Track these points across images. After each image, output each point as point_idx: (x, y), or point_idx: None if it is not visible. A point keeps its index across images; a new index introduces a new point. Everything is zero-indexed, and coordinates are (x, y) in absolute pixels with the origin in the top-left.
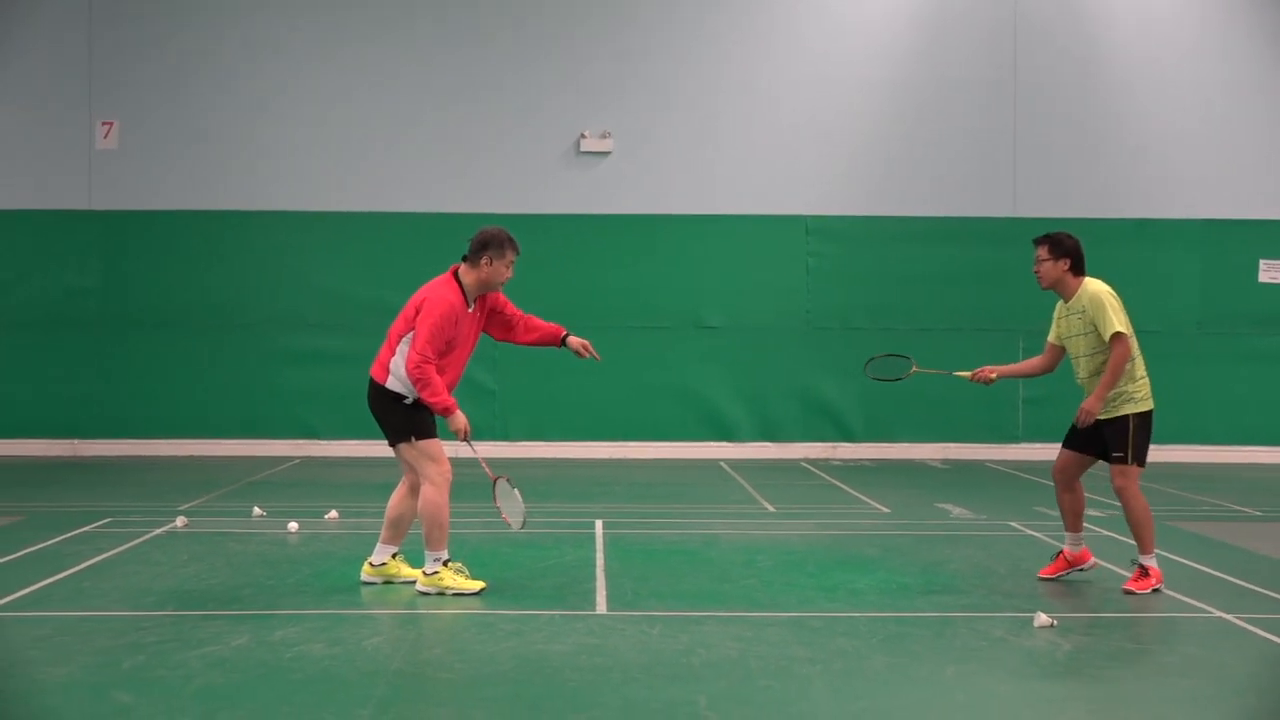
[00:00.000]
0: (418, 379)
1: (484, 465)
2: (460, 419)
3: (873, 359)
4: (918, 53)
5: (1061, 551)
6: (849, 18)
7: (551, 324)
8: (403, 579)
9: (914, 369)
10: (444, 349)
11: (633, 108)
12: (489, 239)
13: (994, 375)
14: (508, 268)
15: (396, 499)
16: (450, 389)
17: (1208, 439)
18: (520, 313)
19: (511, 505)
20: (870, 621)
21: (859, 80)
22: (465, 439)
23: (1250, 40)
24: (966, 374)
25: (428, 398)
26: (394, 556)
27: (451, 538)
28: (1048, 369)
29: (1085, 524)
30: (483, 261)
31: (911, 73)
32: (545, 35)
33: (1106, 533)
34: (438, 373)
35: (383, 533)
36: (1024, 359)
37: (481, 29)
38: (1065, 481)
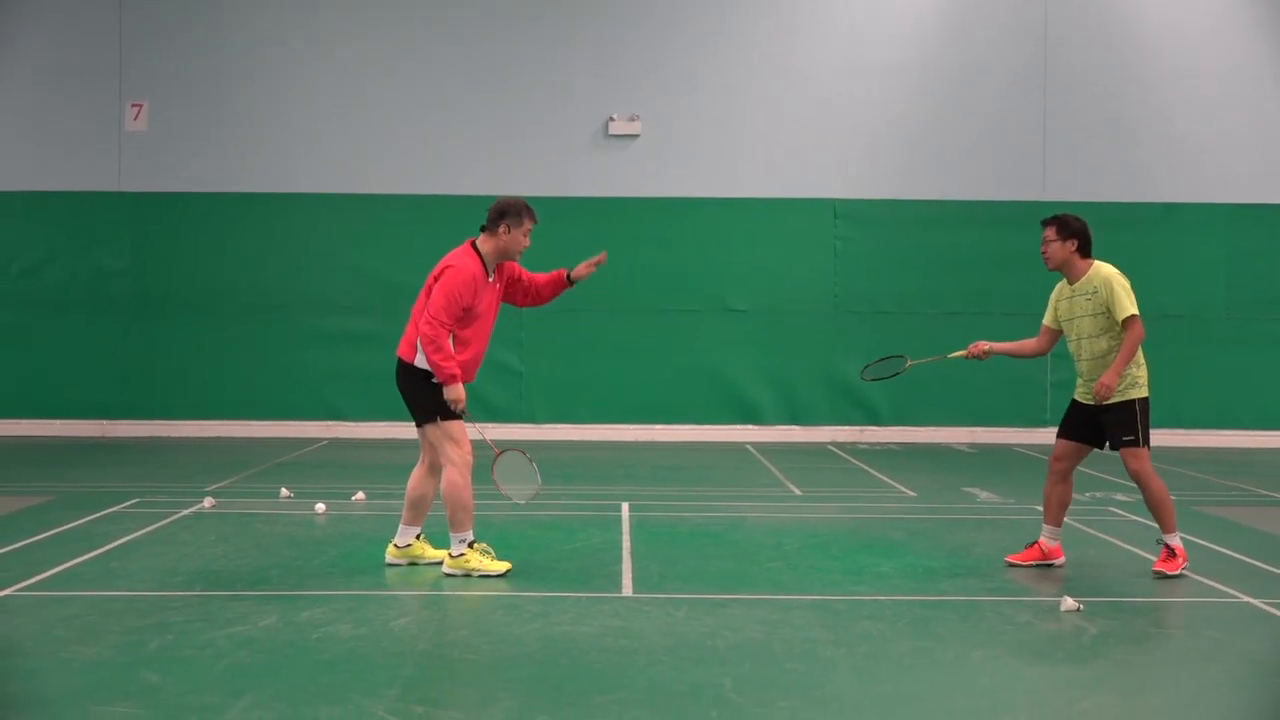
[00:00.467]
0: (429, 338)
1: (488, 441)
2: (459, 390)
3: (868, 365)
4: (946, 35)
5: (1038, 541)
6: (877, 0)
7: (553, 272)
8: (427, 560)
9: (909, 363)
10: (461, 316)
11: (661, 91)
12: (506, 208)
13: (986, 348)
14: (525, 235)
15: (416, 479)
16: (476, 364)
17: (1235, 424)
18: (532, 276)
19: (518, 482)
20: (896, 605)
21: (887, 63)
22: (460, 412)
23: None
24: (961, 353)
25: (436, 359)
26: (418, 538)
27: (477, 520)
28: (1041, 351)
29: (1111, 509)
30: (500, 230)
31: (940, 56)
32: (574, 18)
33: (1132, 517)
34: (462, 345)
35: (404, 514)
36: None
37: (511, 11)
38: (1062, 472)
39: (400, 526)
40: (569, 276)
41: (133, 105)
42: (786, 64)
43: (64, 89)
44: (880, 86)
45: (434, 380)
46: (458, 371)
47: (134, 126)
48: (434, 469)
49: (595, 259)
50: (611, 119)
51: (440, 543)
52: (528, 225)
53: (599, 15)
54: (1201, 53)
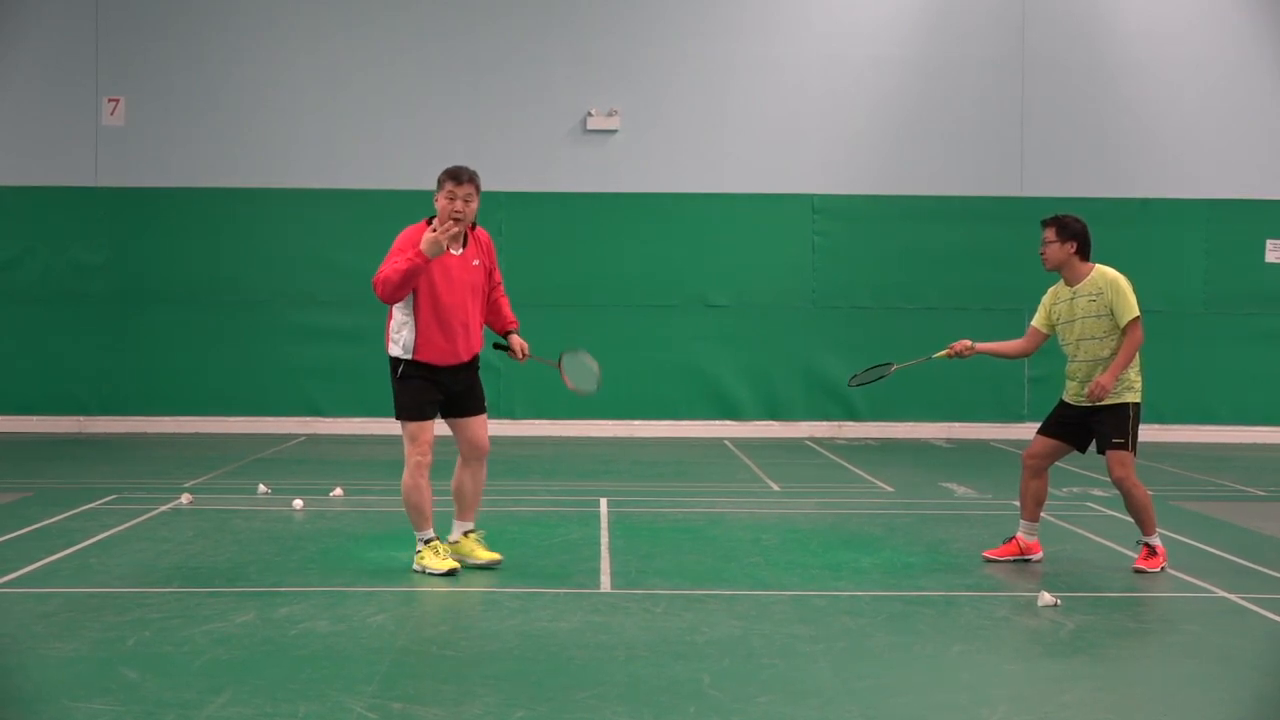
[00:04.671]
0: (380, 283)
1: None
2: (437, 239)
3: (855, 375)
4: (925, 31)
5: (1015, 537)
6: None
7: (510, 313)
8: (477, 562)
9: (895, 367)
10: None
11: (640, 85)
12: None
13: (970, 344)
14: (446, 198)
15: (455, 473)
16: (466, 341)
17: (1213, 419)
18: (500, 289)
19: (582, 378)
20: (874, 600)
21: (866, 58)
22: (451, 236)
23: (1258, 19)
24: (944, 352)
25: (394, 273)
26: (466, 535)
27: (445, 515)
28: (1026, 352)
29: (1089, 504)
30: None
31: (919, 51)
32: (553, 11)
33: (1109, 512)
34: (429, 326)
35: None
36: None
37: (489, 6)
38: (1036, 468)
39: (453, 522)
40: (508, 334)
41: (109, 100)
42: (765, 58)
43: (40, 83)
44: (859, 81)
45: (401, 375)
46: (416, 256)
47: (111, 121)
48: (466, 460)
49: (522, 355)
50: (590, 114)
51: (493, 542)
52: (446, 187)
53: (577, 9)
54: (1179, 48)
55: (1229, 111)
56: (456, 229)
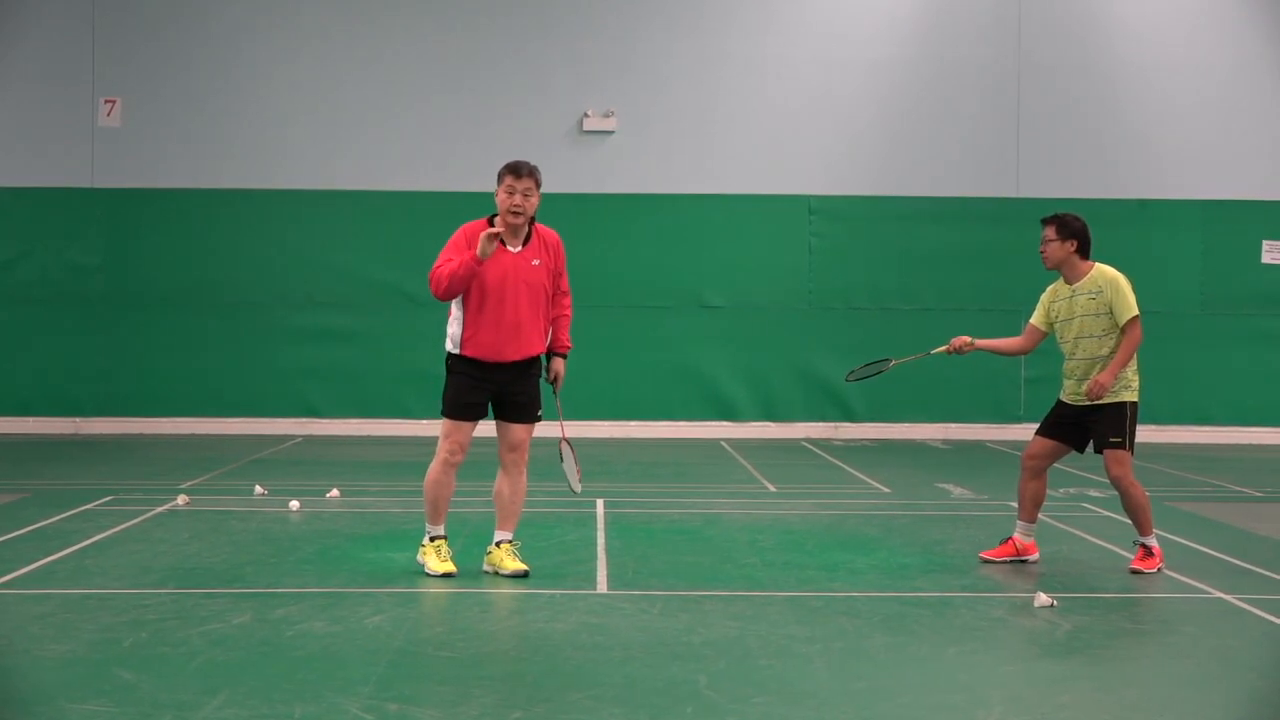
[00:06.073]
0: (434, 283)
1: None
2: (484, 243)
3: (853, 371)
4: (922, 32)
5: (1011, 537)
6: None
7: (564, 335)
8: (506, 572)
9: (893, 362)
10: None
11: (636, 87)
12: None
13: (968, 340)
14: (506, 194)
15: (497, 478)
16: (510, 340)
17: (1209, 420)
18: (564, 303)
19: (569, 468)
20: (870, 601)
21: (863, 60)
22: (495, 234)
23: (1257, 20)
24: (943, 348)
25: (452, 269)
26: (498, 545)
27: (453, 516)
28: (1024, 350)
29: (1085, 505)
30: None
31: (915, 52)
32: (549, 13)
33: (1106, 513)
34: (475, 330)
35: None
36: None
37: (485, 6)
38: (1035, 469)
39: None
40: (551, 354)
41: (106, 101)
42: (762, 59)
43: (37, 84)
44: (856, 83)
45: (449, 369)
46: (470, 254)
47: (107, 122)
48: (505, 466)
49: (555, 383)
50: (586, 114)
51: (527, 552)
52: (506, 182)
53: (574, 10)
54: (1175, 50)
55: (1225, 113)
56: (500, 230)
